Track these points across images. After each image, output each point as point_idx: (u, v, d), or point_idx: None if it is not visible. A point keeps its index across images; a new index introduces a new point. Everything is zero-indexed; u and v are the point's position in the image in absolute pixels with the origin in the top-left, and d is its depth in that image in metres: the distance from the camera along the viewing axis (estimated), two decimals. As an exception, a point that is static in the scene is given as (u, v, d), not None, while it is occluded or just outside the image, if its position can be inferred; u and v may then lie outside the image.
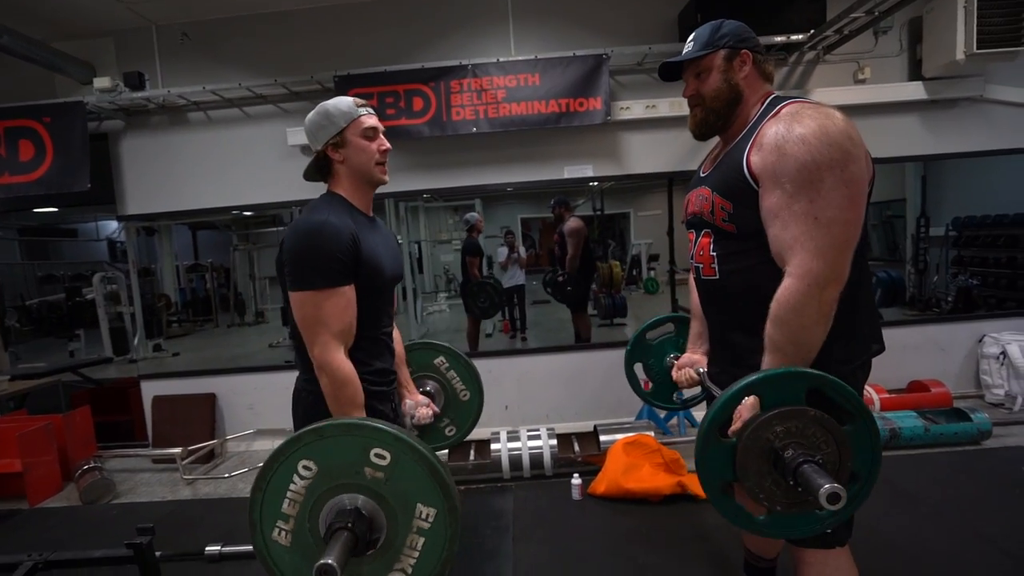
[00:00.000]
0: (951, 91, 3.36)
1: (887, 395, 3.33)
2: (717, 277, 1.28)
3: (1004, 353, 3.44)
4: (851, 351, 1.18)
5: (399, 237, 5.90)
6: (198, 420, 3.55)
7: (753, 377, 0.96)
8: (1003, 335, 3.52)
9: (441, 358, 1.84)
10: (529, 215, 10.79)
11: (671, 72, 1.34)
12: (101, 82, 3.27)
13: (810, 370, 0.98)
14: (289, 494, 0.97)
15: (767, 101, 1.22)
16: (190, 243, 11.30)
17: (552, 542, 2.32)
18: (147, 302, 7.37)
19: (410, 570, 0.98)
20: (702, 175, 1.36)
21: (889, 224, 7.06)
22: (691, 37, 1.29)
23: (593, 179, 3.60)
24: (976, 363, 3.65)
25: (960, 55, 3.04)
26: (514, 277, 5.63)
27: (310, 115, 1.36)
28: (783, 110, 1.12)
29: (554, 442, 2.96)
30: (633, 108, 3.36)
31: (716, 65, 1.24)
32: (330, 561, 0.86)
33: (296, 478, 0.96)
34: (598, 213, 7.54)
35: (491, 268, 6.92)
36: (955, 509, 2.35)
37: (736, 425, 1.06)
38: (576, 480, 2.69)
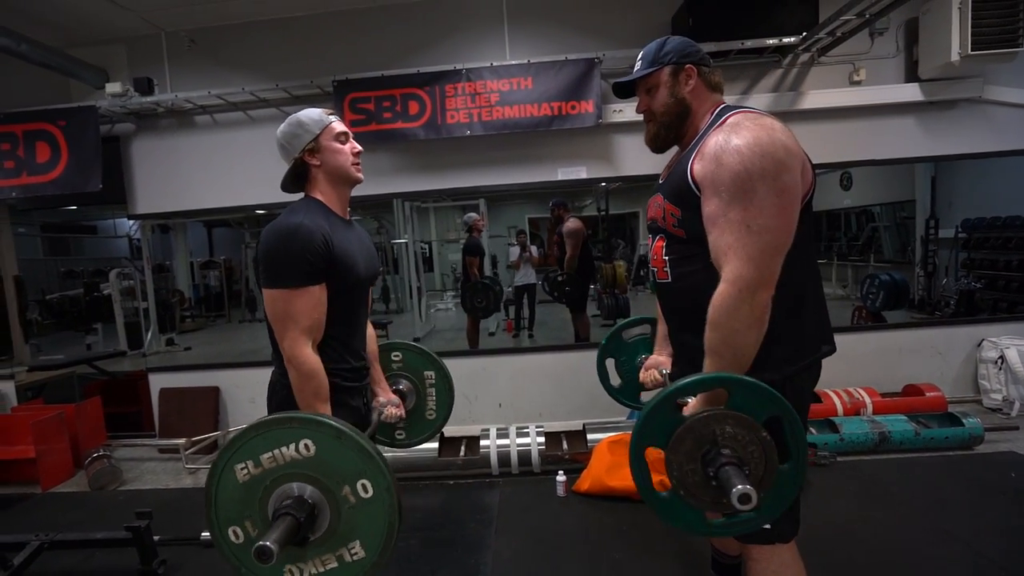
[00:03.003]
0: (948, 92, 3.34)
1: (880, 398, 3.32)
2: (669, 280, 1.33)
3: (1002, 357, 3.41)
4: (794, 352, 1.22)
5: (406, 236, 6.01)
6: (202, 412, 3.68)
7: (740, 377, 0.99)
8: (1002, 339, 3.48)
9: (432, 374, 1.82)
10: (536, 215, 10.80)
11: (625, 90, 1.40)
12: (112, 87, 3.41)
13: (786, 401, 1.00)
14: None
15: (716, 111, 1.27)
16: (205, 240, 11.58)
17: (532, 536, 2.39)
18: (162, 297, 7.58)
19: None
20: (660, 182, 1.42)
21: (903, 226, 6.95)
22: (639, 55, 1.35)
23: (601, 180, 3.64)
24: (975, 367, 3.62)
25: (955, 57, 3.02)
26: (525, 276, 5.73)
27: (282, 127, 1.42)
28: (727, 120, 1.16)
29: (542, 440, 3.02)
30: (626, 111, 3.39)
31: (663, 81, 1.30)
32: (268, 543, 0.91)
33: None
34: (602, 213, 7.56)
35: (495, 268, 6.99)
36: (935, 511, 2.37)
37: (695, 404, 1.11)
38: (561, 477, 2.74)
